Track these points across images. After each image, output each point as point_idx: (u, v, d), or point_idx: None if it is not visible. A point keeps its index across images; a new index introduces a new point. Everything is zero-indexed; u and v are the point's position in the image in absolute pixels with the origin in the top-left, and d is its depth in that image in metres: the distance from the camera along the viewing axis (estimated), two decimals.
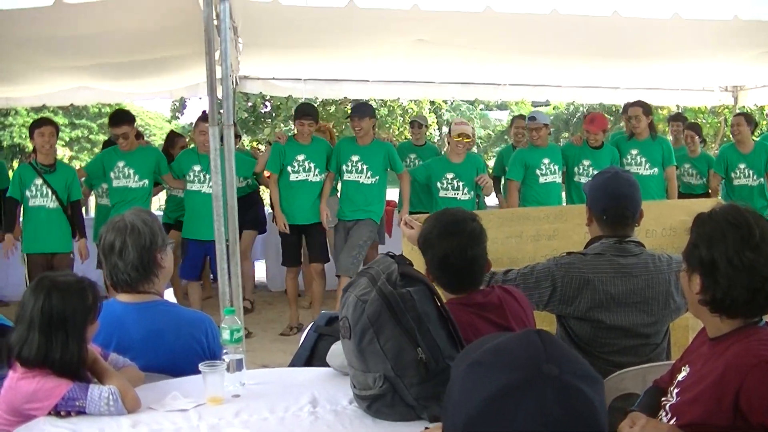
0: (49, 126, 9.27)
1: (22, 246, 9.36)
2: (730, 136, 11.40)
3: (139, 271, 4.03)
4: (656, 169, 10.38)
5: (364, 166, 9.82)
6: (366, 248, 9.79)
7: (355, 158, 9.81)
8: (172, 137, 12.04)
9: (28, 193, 9.11)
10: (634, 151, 10.39)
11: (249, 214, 10.79)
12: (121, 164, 9.66)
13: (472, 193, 9.96)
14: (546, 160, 10.05)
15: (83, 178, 10.12)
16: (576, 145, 10.35)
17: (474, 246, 3.82)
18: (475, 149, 11.01)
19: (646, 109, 10.49)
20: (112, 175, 9.68)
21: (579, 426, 1.52)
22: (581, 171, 10.11)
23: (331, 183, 10.03)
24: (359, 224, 9.80)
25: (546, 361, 1.55)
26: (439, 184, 9.85)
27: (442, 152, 11.13)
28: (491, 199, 11.39)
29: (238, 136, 11.45)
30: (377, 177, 9.91)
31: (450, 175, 9.83)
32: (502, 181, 11.59)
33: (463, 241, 3.79)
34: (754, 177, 10.92)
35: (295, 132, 10.10)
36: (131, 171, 9.66)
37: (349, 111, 10.69)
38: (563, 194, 10.54)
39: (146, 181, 9.75)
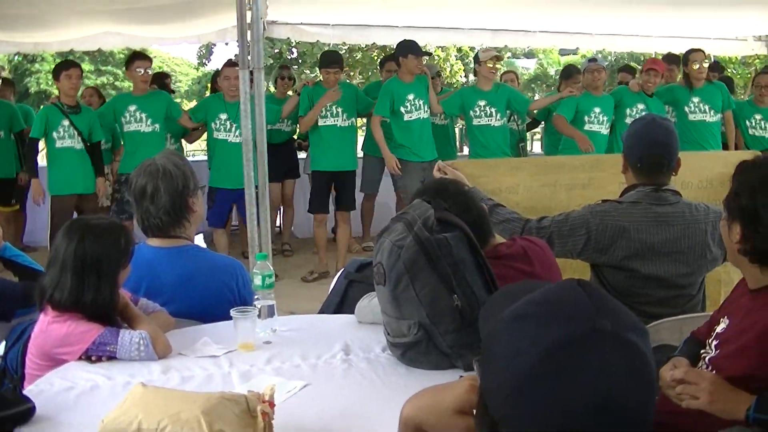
0: (76, 68, 9.34)
1: (48, 188, 9.39)
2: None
3: (171, 216, 4.02)
4: (720, 115, 10.38)
5: (421, 101, 9.80)
6: None
7: (411, 96, 9.75)
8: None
9: (55, 134, 9.17)
10: (696, 99, 10.31)
11: (291, 161, 10.82)
12: (132, 108, 9.59)
13: (504, 120, 10.02)
14: (597, 109, 9.99)
15: None
16: (633, 90, 10.21)
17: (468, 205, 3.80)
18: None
19: (706, 55, 10.46)
20: (123, 120, 9.60)
21: (638, 378, 1.49)
22: (635, 114, 9.98)
23: (380, 128, 9.87)
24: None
25: (597, 314, 1.51)
26: (472, 113, 9.87)
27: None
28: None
29: (291, 79, 11.44)
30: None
31: (482, 103, 9.83)
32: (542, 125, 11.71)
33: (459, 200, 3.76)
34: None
35: (321, 79, 10.05)
36: (143, 115, 9.59)
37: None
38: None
39: (158, 126, 9.68)
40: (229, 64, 9.57)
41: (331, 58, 9.98)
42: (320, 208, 10.12)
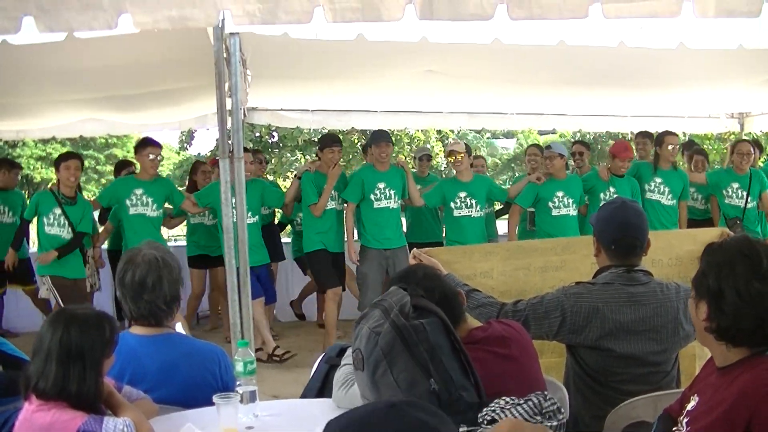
0: (75, 160, 9.49)
1: (37, 271, 9.51)
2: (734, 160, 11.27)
3: (168, 305, 4.10)
4: (675, 201, 10.54)
5: (391, 191, 9.94)
6: None
7: (382, 185, 9.90)
8: (197, 166, 11.90)
9: (45, 220, 9.26)
10: (658, 180, 10.53)
11: (275, 244, 10.86)
12: (139, 192, 9.63)
13: (484, 210, 10.21)
14: (560, 193, 10.05)
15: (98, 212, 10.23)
16: (602, 179, 10.34)
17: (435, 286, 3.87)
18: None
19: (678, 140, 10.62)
20: (128, 202, 9.61)
21: None
22: (608, 197, 10.08)
23: (353, 215, 10.03)
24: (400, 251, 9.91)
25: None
26: (452, 204, 10.01)
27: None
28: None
29: (266, 162, 11.54)
30: (399, 202, 10.13)
31: (462, 194, 9.99)
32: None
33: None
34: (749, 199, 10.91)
35: (319, 160, 10.17)
36: (150, 199, 9.64)
37: (364, 139, 10.88)
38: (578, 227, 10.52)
39: (160, 212, 9.79)
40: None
41: (332, 138, 10.31)
42: (331, 282, 10.06)
